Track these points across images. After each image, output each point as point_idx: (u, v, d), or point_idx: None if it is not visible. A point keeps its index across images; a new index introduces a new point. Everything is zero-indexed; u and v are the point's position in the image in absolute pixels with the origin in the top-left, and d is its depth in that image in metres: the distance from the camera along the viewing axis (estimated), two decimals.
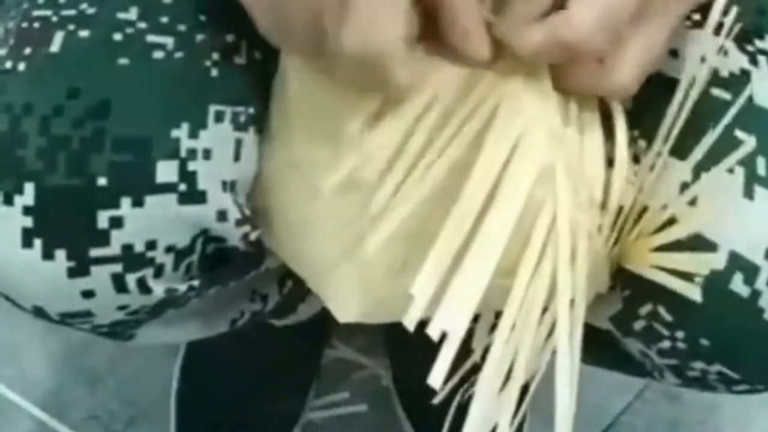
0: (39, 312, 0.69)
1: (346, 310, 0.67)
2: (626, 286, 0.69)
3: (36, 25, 0.67)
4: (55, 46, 0.65)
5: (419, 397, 1.09)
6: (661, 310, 0.67)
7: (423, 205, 0.62)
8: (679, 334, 0.67)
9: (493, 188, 0.60)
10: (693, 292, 0.64)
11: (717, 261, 0.64)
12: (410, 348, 1.19)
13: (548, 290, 0.61)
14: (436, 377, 0.57)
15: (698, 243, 0.64)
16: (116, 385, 1.29)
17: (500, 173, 0.61)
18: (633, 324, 0.70)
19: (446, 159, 0.61)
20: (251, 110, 0.69)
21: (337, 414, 1.27)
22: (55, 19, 0.66)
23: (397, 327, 1.24)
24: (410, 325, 0.58)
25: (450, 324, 0.58)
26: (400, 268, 0.64)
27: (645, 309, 0.68)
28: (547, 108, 0.63)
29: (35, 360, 1.30)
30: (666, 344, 0.68)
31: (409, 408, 1.24)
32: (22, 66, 0.65)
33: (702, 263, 0.64)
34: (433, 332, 0.57)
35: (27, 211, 0.63)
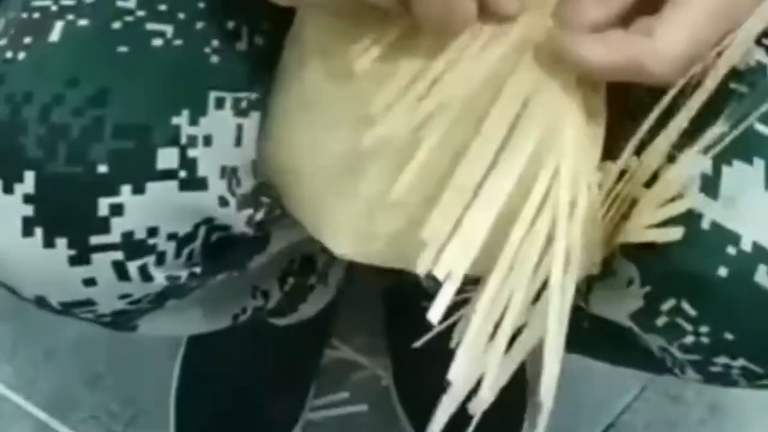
0: (40, 301, 0.69)
1: (340, 242, 0.67)
2: (647, 282, 0.68)
3: (36, 15, 0.67)
4: (54, 36, 0.65)
5: (419, 397, 1.09)
6: (685, 305, 0.66)
7: (417, 142, 0.62)
8: (703, 329, 0.66)
9: (505, 139, 0.61)
10: (675, 233, 0.64)
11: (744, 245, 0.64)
12: (411, 348, 1.19)
13: (545, 240, 0.62)
14: (435, 314, 0.58)
15: (720, 234, 0.64)
16: (116, 385, 1.28)
17: (512, 125, 0.61)
18: (655, 320, 0.69)
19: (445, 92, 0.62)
20: (253, 96, 0.69)
21: (337, 414, 1.27)
22: (54, 8, 0.67)
23: (398, 327, 1.25)
24: (422, 269, 0.59)
25: (452, 263, 0.59)
26: (394, 203, 0.65)
27: (668, 305, 0.67)
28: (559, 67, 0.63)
29: (35, 359, 1.30)
30: (689, 339, 0.68)
31: (409, 408, 1.24)
32: (22, 55, 0.65)
33: (679, 207, 0.64)
34: (438, 272, 0.59)
35: (27, 199, 0.63)
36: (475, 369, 0.62)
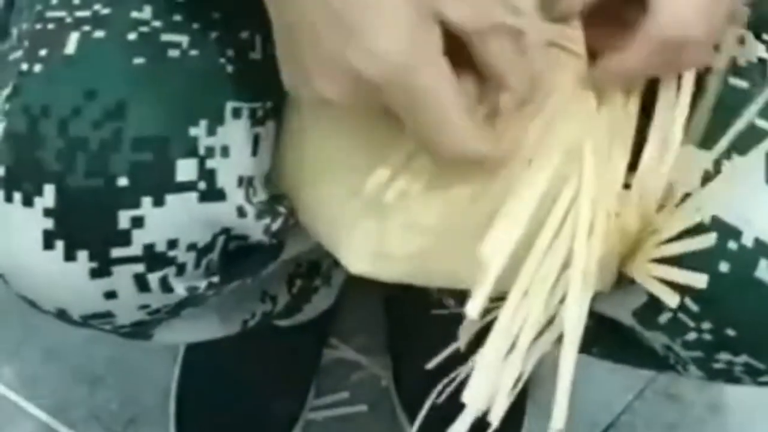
0: (61, 314, 0.69)
1: (356, 261, 0.68)
2: None
3: (50, 26, 0.67)
4: (70, 48, 0.65)
5: (419, 398, 1.10)
6: (687, 301, 0.66)
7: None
8: (705, 325, 0.67)
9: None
10: (672, 299, 0.65)
11: (745, 240, 0.64)
12: (412, 348, 1.19)
13: (563, 262, 0.62)
14: (474, 307, 0.59)
15: (723, 230, 0.64)
16: (116, 385, 1.28)
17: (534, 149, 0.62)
18: (658, 317, 0.69)
19: None
20: (269, 104, 0.70)
21: (337, 414, 1.27)
22: (69, 20, 0.66)
23: (398, 329, 1.25)
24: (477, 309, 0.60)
25: (495, 250, 0.61)
26: (413, 223, 0.65)
27: None
28: (582, 89, 0.63)
29: (35, 360, 1.29)
30: (691, 336, 0.68)
31: (409, 409, 1.24)
32: (38, 68, 0.65)
33: (696, 280, 0.65)
34: (483, 257, 0.60)
35: (47, 212, 0.63)
36: (489, 386, 0.62)
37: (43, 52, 0.65)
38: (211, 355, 1.22)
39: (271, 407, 1.21)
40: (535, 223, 0.62)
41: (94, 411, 1.27)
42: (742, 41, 0.68)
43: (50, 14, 0.67)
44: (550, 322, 0.65)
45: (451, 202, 0.63)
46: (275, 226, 0.71)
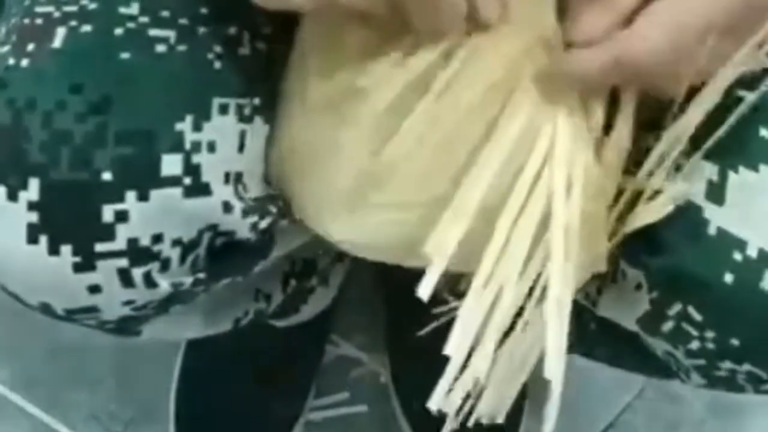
0: (45, 308, 0.69)
1: (341, 226, 0.67)
2: (654, 287, 0.69)
3: (38, 21, 0.67)
4: (57, 42, 0.65)
5: (417, 398, 1.10)
6: (691, 310, 0.66)
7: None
8: (709, 334, 0.66)
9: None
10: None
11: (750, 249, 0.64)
12: (410, 349, 1.19)
13: (541, 217, 0.62)
14: (425, 290, 0.59)
15: (727, 241, 0.64)
16: (116, 385, 1.28)
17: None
18: (661, 325, 0.69)
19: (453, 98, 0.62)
20: (256, 101, 0.69)
21: (337, 414, 1.27)
22: (57, 14, 0.67)
23: (397, 330, 1.24)
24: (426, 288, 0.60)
25: (442, 240, 0.61)
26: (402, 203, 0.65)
27: (674, 309, 0.67)
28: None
29: (35, 360, 1.29)
30: (695, 345, 0.68)
31: (408, 407, 1.24)
32: (24, 62, 0.65)
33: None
34: (428, 248, 0.61)
35: (32, 206, 0.63)
36: (471, 337, 0.61)
37: (30, 47, 0.65)
38: (211, 355, 1.22)
39: (271, 407, 1.21)
40: (508, 175, 0.62)
41: (94, 411, 1.27)
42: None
43: (38, 9, 0.68)
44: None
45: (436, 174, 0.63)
46: (263, 224, 0.71)
